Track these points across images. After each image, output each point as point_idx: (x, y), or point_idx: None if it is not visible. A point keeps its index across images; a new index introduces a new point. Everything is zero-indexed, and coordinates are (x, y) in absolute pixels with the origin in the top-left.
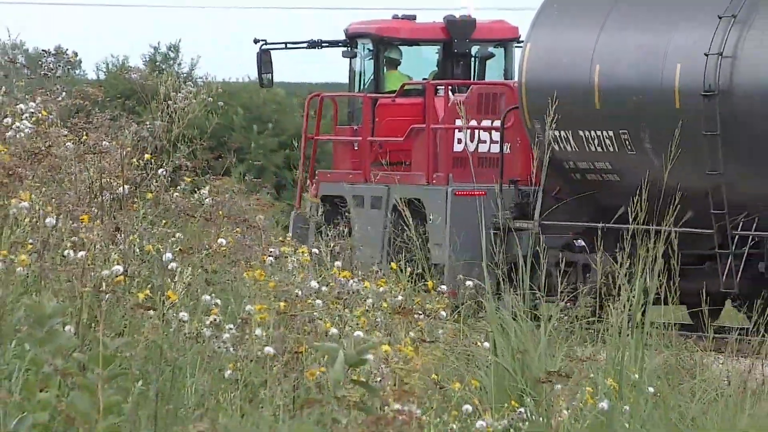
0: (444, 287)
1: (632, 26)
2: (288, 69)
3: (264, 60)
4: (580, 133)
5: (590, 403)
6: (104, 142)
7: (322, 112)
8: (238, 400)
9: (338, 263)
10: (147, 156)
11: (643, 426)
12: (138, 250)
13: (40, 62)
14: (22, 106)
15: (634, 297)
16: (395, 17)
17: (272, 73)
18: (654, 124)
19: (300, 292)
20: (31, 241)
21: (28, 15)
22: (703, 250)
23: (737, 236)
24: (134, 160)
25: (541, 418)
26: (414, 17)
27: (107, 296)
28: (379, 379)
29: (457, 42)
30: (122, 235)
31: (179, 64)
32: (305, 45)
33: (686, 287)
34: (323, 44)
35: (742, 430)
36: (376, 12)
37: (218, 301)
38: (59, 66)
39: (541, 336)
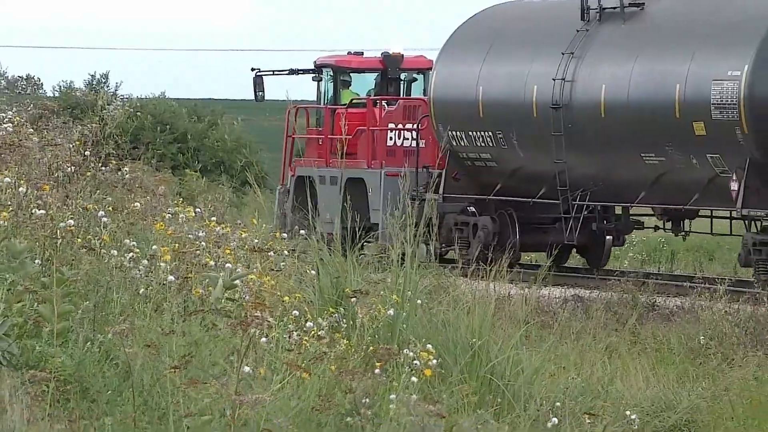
0: (285, 234)
1: (504, 60)
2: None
3: (257, 82)
4: (470, 133)
5: (381, 311)
6: (58, 138)
7: (296, 120)
8: (148, 309)
9: (213, 218)
10: (87, 148)
11: (415, 327)
12: (81, 209)
13: (15, 85)
14: (2, 115)
15: (409, 241)
16: (349, 53)
17: (264, 92)
18: (519, 128)
19: (190, 237)
20: (9, 203)
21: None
22: (554, 215)
23: (576, 205)
24: (79, 150)
25: (349, 321)
26: (362, 53)
27: (60, 240)
28: (245, 296)
29: (390, 70)
30: (70, 200)
31: (108, 86)
32: (287, 72)
33: (545, 239)
34: (299, 71)
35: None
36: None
37: (135, 243)
38: (28, 87)
39: (349, 266)
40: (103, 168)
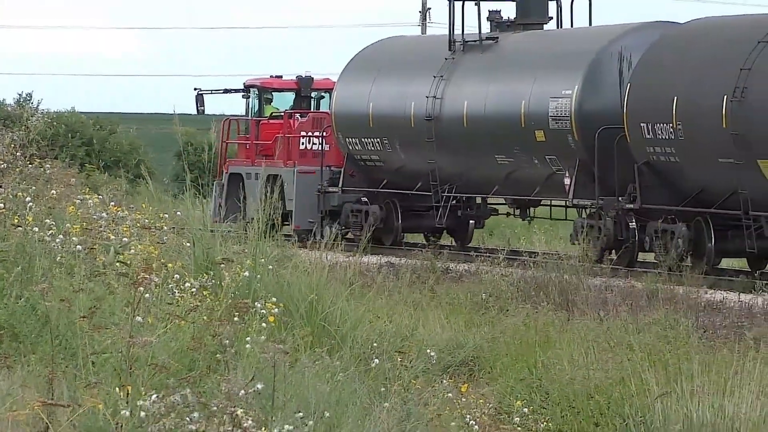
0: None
1: (389, 82)
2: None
3: (198, 100)
4: (363, 139)
5: (241, 273)
6: None
7: (229, 129)
8: (63, 272)
9: (113, 203)
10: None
11: (266, 286)
12: (12, 196)
13: None
14: None
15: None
16: (271, 76)
17: (204, 107)
18: (400, 135)
19: (95, 218)
20: None
21: None
22: (428, 204)
23: (445, 196)
24: (10, 151)
25: (219, 281)
26: (281, 76)
27: None
28: (135, 261)
29: (303, 90)
30: (3, 189)
31: (32, 103)
32: (222, 91)
33: (421, 223)
34: (232, 90)
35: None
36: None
37: (53, 222)
38: None
39: (217, 239)
40: (29, 165)
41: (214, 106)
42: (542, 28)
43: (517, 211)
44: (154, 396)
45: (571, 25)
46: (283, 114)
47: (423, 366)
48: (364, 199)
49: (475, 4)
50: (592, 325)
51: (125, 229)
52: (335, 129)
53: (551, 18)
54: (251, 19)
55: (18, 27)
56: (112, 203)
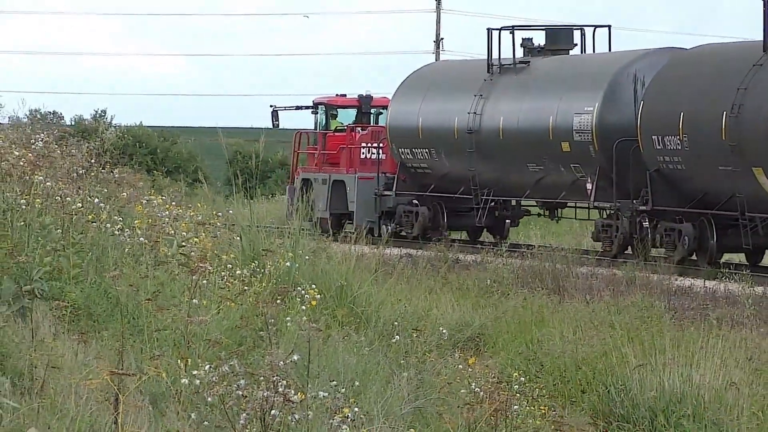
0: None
1: (435, 100)
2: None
3: (274, 115)
4: (413, 150)
5: (283, 263)
6: (73, 151)
7: (300, 140)
8: (131, 261)
9: (174, 202)
10: (92, 158)
11: (304, 273)
12: (88, 197)
13: (45, 116)
14: (36, 136)
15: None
16: (336, 95)
17: (278, 122)
18: (445, 146)
19: (158, 215)
20: (41, 193)
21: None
22: (469, 205)
23: (483, 198)
24: (87, 159)
25: (263, 269)
26: (345, 95)
27: (74, 216)
28: (192, 252)
29: (364, 106)
30: (81, 191)
31: (106, 118)
32: (294, 108)
33: (464, 222)
34: (303, 107)
35: (344, 272)
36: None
37: (122, 219)
38: (54, 118)
39: (261, 234)
40: (103, 171)
41: (287, 121)
42: (568, 53)
43: (547, 212)
44: (208, 366)
45: (594, 51)
46: (346, 128)
47: (436, 342)
48: (415, 201)
49: (510, 33)
50: (580, 306)
51: (184, 225)
52: (389, 140)
53: (576, 44)
54: (283, 47)
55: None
56: (173, 203)
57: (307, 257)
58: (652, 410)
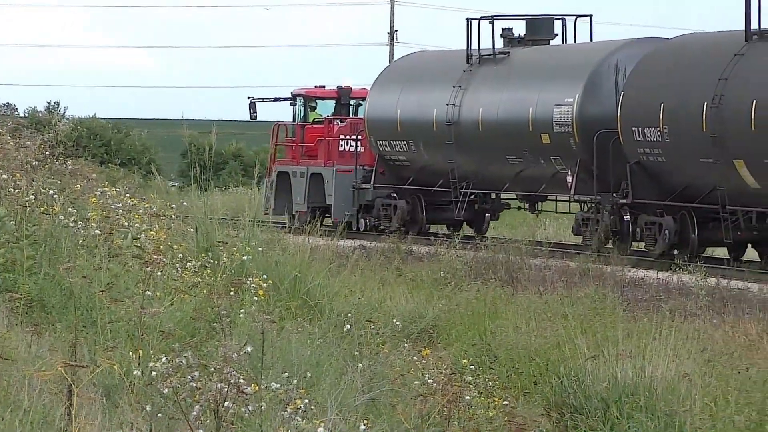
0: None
1: (414, 91)
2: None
3: (251, 107)
4: (392, 142)
5: (237, 255)
6: (27, 143)
7: (278, 132)
8: (84, 253)
9: (128, 194)
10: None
11: (257, 265)
12: (42, 189)
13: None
14: None
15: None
16: (315, 86)
17: (256, 113)
18: (424, 138)
19: (112, 207)
20: None
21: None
22: (449, 198)
23: (463, 192)
24: (41, 151)
25: (217, 261)
26: (324, 86)
27: (28, 209)
28: (146, 244)
29: (343, 98)
30: (35, 183)
31: (59, 110)
32: (272, 99)
33: (443, 216)
34: (281, 99)
35: (297, 264)
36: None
37: (76, 210)
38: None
39: (215, 225)
40: (57, 162)
41: (265, 112)
42: (549, 44)
43: (527, 206)
44: (162, 358)
45: (575, 41)
46: (324, 120)
47: (390, 333)
48: (394, 194)
49: (490, 23)
50: (533, 298)
51: (138, 217)
52: (368, 132)
53: (557, 35)
54: (241, 39)
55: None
56: (127, 195)
57: (261, 249)
58: (604, 401)
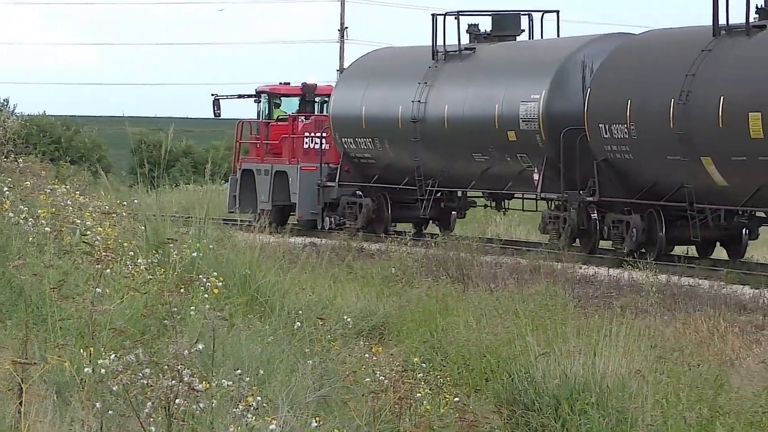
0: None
1: (379, 88)
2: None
3: (215, 104)
4: (357, 139)
5: (189, 252)
6: None
7: (242, 130)
8: (35, 251)
9: (78, 191)
10: None
11: (208, 262)
12: None
13: None
14: None
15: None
16: (280, 83)
17: (220, 111)
18: (389, 135)
19: (62, 204)
20: None
21: None
22: (414, 196)
23: (428, 190)
24: None
25: (166, 258)
26: (288, 83)
27: None
28: (96, 241)
29: (308, 95)
30: None
31: (8, 106)
32: (236, 96)
33: (408, 214)
34: (245, 96)
35: (248, 261)
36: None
37: (26, 208)
38: None
39: (166, 222)
40: (5, 159)
41: (230, 110)
42: (515, 40)
43: (493, 203)
44: (113, 355)
45: (542, 37)
46: (288, 117)
47: (341, 330)
48: (359, 192)
49: (455, 18)
50: (484, 295)
51: (88, 214)
52: (332, 129)
53: (523, 30)
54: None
55: None
56: (77, 192)
57: (211, 246)
58: (556, 398)
